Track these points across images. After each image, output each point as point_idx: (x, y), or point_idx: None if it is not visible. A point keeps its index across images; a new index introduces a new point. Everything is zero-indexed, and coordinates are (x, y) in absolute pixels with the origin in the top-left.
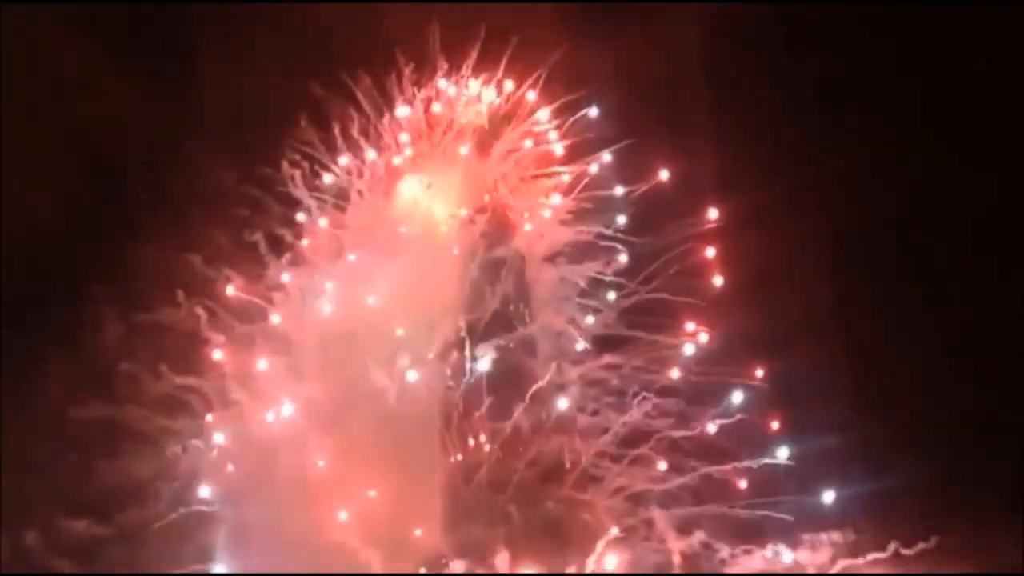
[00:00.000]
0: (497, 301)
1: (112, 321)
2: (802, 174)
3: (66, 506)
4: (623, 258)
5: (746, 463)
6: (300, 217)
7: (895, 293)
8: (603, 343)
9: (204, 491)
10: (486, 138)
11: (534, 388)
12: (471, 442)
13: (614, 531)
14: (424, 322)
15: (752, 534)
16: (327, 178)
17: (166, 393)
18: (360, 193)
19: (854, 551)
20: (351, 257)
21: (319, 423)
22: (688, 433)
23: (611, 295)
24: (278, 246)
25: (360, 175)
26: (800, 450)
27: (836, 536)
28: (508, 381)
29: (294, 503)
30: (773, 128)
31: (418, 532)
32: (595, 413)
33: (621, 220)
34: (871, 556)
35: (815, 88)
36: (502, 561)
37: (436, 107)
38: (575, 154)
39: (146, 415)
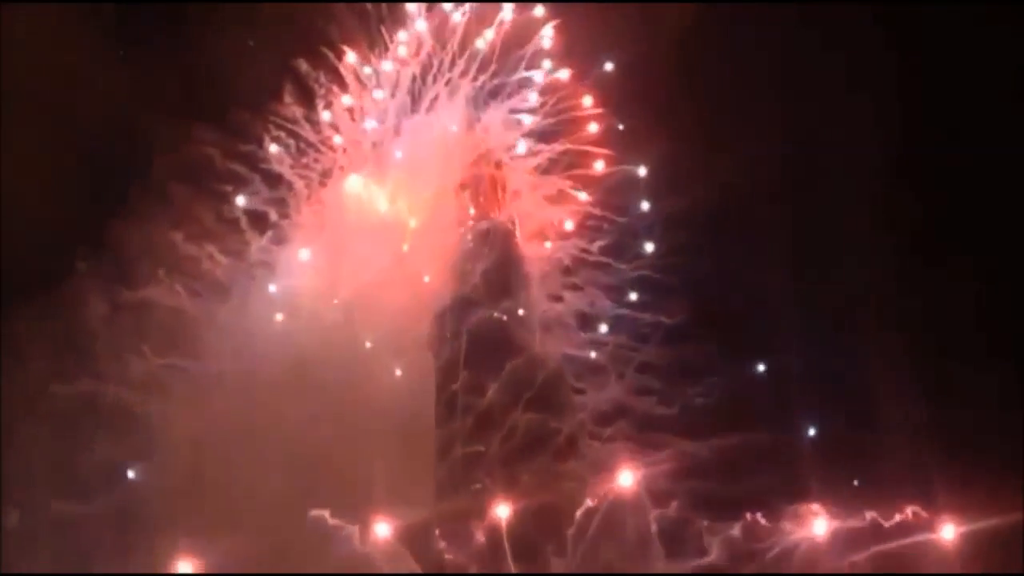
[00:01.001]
0: (484, 273)
1: (96, 299)
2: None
3: (50, 485)
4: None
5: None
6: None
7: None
8: (588, 319)
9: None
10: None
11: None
12: (456, 414)
13: (588, 502)
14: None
15: (731, 506)
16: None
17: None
18: (342, 168)
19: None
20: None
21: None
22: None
23: None
24: (262, 223)
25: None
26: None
27: (816, 507)
28: (493, 353)
29: (277, 478)
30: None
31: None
32: (579, 390)
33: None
34: (849, 522)
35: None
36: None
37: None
38: (563, 131)
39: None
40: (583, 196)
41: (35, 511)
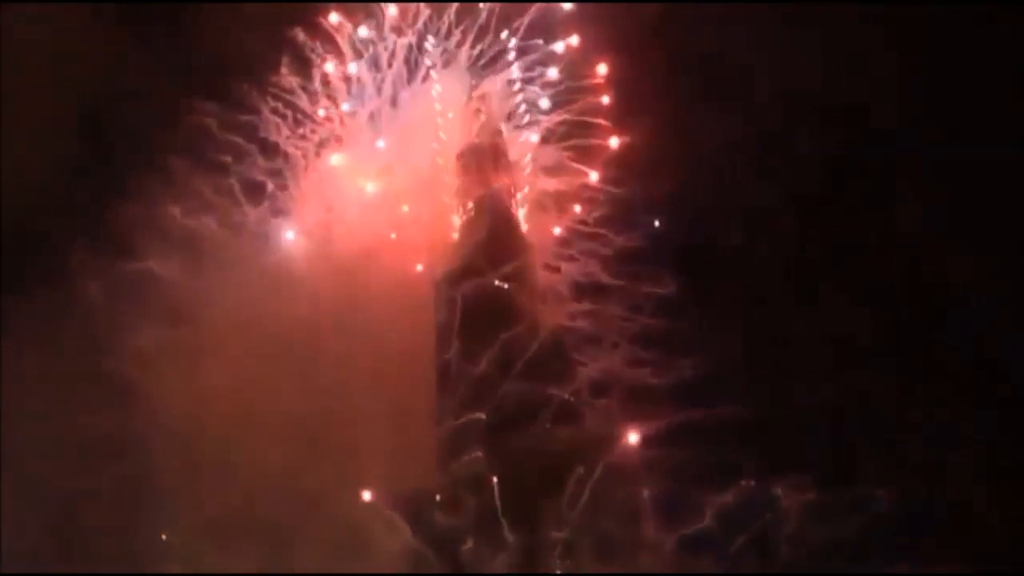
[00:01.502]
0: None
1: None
2: None
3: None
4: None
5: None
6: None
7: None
8: (583, 289)
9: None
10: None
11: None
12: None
13: (580, 470)
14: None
15: (725, 473)
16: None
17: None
18: (339, 139)
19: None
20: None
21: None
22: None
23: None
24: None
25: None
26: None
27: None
28: (492, 321)
29: (276, 449)
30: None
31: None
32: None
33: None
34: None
35: None
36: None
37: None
38: (562, 102)
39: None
40: (582, 168)
41: (34, 488)
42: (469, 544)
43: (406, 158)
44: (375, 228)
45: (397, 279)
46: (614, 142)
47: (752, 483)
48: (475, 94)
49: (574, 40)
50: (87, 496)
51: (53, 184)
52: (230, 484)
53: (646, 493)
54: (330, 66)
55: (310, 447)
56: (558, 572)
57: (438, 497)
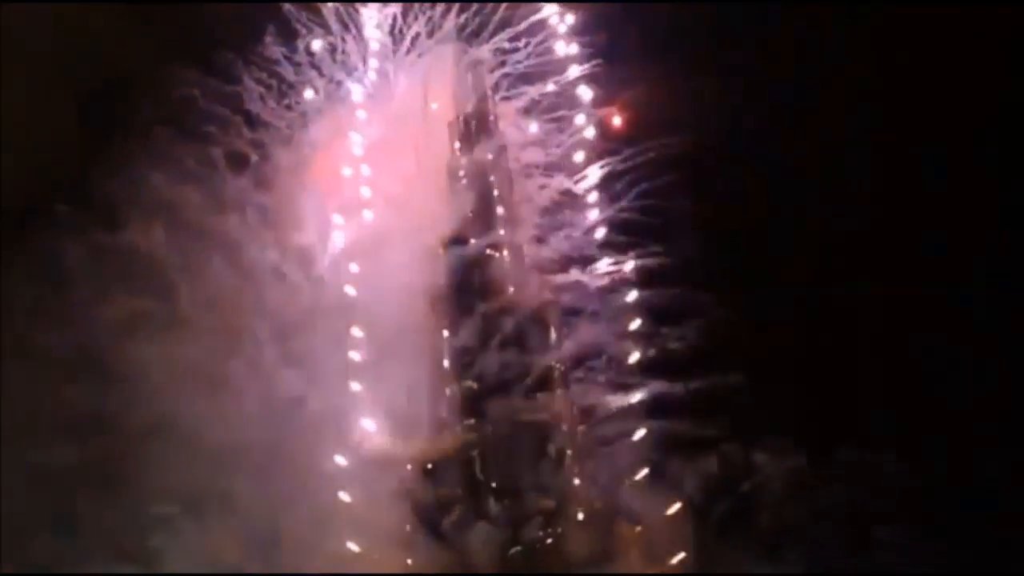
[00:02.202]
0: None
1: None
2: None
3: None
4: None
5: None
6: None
7: None
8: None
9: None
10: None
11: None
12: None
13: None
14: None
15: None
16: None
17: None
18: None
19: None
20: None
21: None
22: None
23: None
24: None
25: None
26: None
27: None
28: (481, 288)
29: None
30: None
31: None
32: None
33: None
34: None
35: None
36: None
37: None
38: (551, 70)
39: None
40: (569, 138)
41: (15, 461)
42: (456, 513)
43: (395, 127)
44: (365, 200)
45: (387, 250)
46: (602, 110)
47: (736, 449)
48: (464, 61)
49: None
50: (67, 470)
51: (35, 154)
52: (211, 456)
53: (628, 461)
54: (316, 41)
55: (296, 419)
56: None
57: (429, 466)
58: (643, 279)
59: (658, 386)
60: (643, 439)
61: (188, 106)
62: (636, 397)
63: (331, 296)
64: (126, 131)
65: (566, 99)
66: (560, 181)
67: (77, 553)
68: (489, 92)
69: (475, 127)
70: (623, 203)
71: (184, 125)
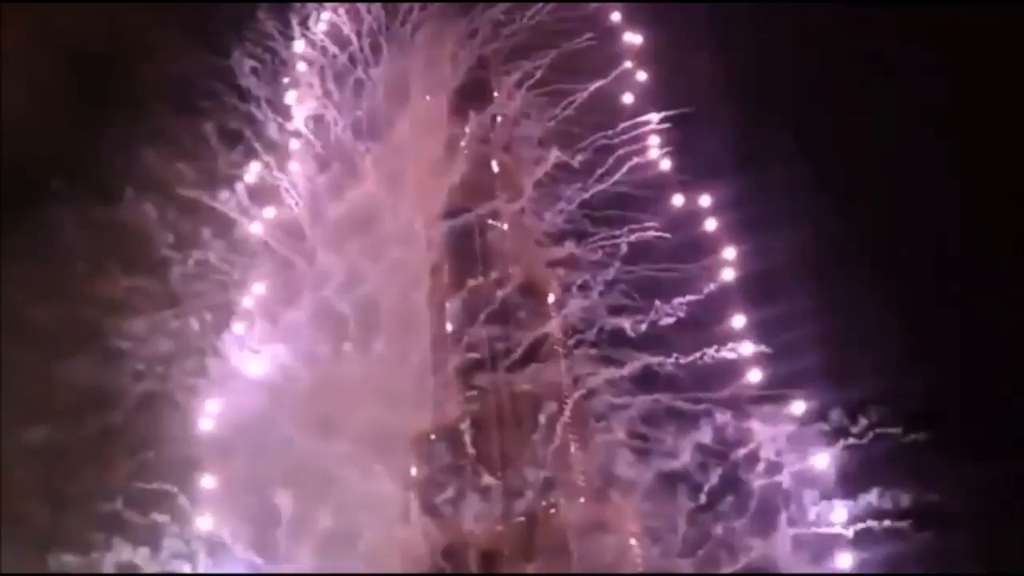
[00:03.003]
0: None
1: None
2: None
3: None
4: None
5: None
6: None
7: None
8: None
9: None
10: None
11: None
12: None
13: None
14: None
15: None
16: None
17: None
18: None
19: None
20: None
21: None
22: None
23: None
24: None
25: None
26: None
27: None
28: (479, 258)
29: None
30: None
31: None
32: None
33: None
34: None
35: None
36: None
37: None
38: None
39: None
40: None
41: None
42: (455, 487)
43: (391, 100)
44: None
45: (384, 223)
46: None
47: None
48: (463, 33)
49: None
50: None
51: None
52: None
53: (621, 435)
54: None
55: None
56: None
57: (432, 436)
58: (634, 253)
59: (651, 358)
60: (637, 410)
61: (183, 80)
62: (628, 369)
63: (330, 271)
64: (123, 104)
65: (565, 71)
66: (557, 154)
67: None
68: (489, 63)
69: (473, 98)
70: (619, 178)
71: (178, 100)
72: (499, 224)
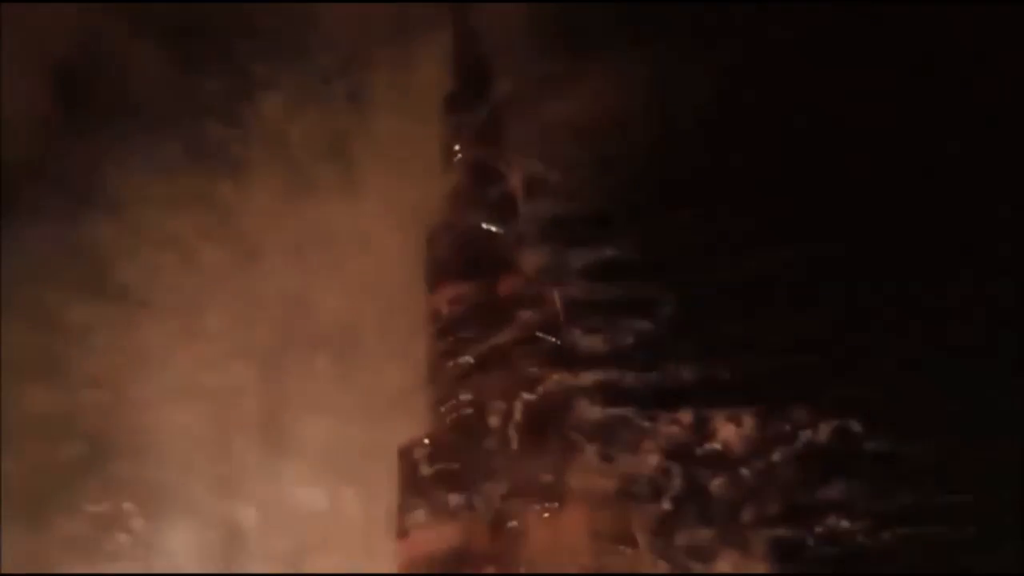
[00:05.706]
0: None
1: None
2: None
3: None
4: None
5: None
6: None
7: None
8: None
9: None
10: None
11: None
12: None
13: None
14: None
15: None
16: None
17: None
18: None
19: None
20: None
21: None
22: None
23: None
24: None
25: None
26: None
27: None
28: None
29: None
30: None
31: None
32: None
33: None
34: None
35: None
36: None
37: None
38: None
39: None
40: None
41: None
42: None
43: (385, 101)
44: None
45: (378, 232)
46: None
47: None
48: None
49: None
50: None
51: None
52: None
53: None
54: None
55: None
56: None
57: (426, 441)
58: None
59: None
60: (599, 417)
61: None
62: (592, 378)
63: (328, 280)
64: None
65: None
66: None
67: None
68: (485, 64)
69: (471, 101)
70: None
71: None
72: (497, 228)
